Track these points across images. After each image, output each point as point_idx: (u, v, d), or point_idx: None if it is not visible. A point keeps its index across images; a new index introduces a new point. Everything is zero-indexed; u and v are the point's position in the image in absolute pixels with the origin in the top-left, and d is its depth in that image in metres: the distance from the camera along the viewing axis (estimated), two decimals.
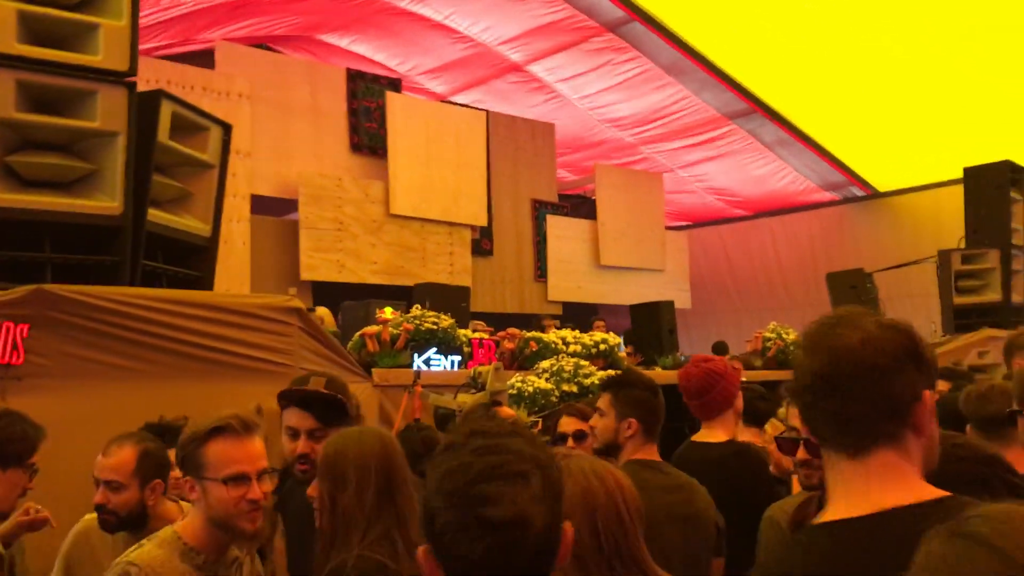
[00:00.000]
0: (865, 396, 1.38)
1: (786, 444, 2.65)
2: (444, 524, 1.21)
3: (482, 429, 1.30)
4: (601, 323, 9.08)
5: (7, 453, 2.63)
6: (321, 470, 2.19)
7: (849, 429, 1.40)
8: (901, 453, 1.39)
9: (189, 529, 2.21)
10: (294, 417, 2.70)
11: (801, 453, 2.56)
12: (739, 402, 3.60)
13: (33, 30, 3.76)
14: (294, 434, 2.70)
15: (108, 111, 3.83)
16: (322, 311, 6.94)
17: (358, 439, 2.22)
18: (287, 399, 2.76)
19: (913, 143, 12.33)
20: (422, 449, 3.63)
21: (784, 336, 7.32)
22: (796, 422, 2.65)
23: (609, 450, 3.06)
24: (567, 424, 3.76)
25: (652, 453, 3.06)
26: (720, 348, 10.93)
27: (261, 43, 11.60)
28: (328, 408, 2.70)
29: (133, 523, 2.64)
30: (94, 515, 2.75)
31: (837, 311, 1.48)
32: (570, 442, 3.65)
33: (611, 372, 5.59)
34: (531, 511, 1.21)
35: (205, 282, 4.49)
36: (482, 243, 12.03)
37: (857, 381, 1.38)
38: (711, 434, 3.50)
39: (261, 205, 9.80)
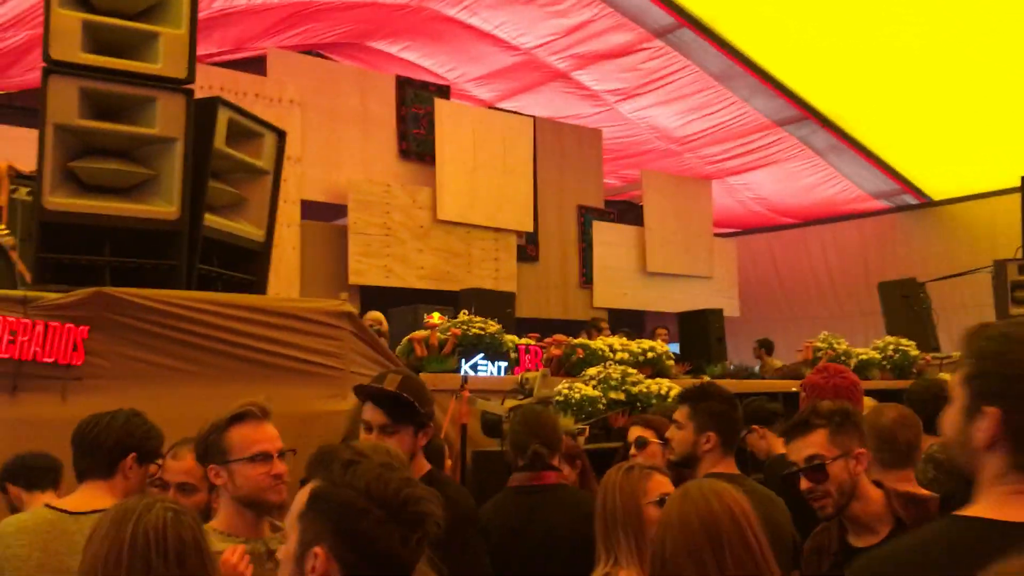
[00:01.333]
0: None
1: (790, 479, 2.63)
2: (374, 520, 1.43)
3: (365, 452, 1.53)
4: (664, 331, 8.99)
5: (148, 449, 2.77)
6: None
7: None
8: None
9: (221, 520, 2.40)
10: (368, 412, 2.83)
11: (804, 484, 2.56)
12: None
13: (96, 39, 3.85)
14: (367, 428, 2.82)
15: (167, 118, 3.92)
16: (377, 315, 7.00)
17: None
18: (362, 395, 2.90)
19: (968, 151, 12.09)
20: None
21: (835, 346, 7.22)
22: (795, 456, 2.63)
23: (687, 463, 3.04)
24: (632, 432, 3.76)
25: (731, 466, 3.04)
26: (767, 345, 10.83)
27: (312, 50, 11.75)
28: (397, 406, 2.79)
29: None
30: None
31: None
32: (632, 449, 3.64)
33: (661, 381, 5.58)
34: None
35: (259, 286, 4.56)
36: (528, 249, 12.04)
37: None
38: None
39: (311, 210, 9.93)
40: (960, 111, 11.30)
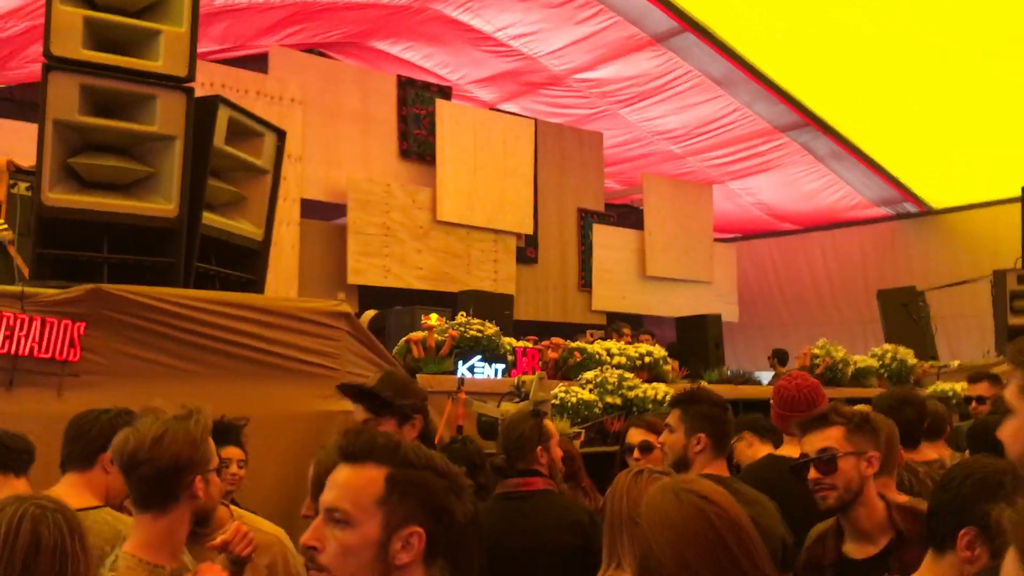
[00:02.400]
0: None
1: (799, 469, 2.67)
2: (453, 496, 1.57)
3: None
4: (647, 336, 9.01)
5: None
6: None
7: None
8: None
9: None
10: (355, 409, 2.99)
11: (812, 473, 2.61)
12: None
13: (97, 36, 3.85)
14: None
15: (167, 115, 3.92)
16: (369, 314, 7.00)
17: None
18: (343, 393, 3.06)
19: (970, 160, 12.10)
20: (479, 460, 3.67)
21: (833, 353, 7.21)
22: (807, 448, 2.68)
23: (679, 466, 3.06)
24: (634, 435, 3.77)
25: (722, 468, 3.08)
26: (781, 356, 10.82)
27: (314, 48, 11.75)
28: (374, 401, 2.92)
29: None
30: None
31: None
32: (636, 453, 3.65)
33: (658, 385, 5.57)
34: None
35: (257, 285, 4.56)
36: (527, 251, 12.05)
37: None
38: (794, 449, 3.46)
39: (310, 209, 9.93)
40: (961, 120, 11.31)
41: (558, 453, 3.45)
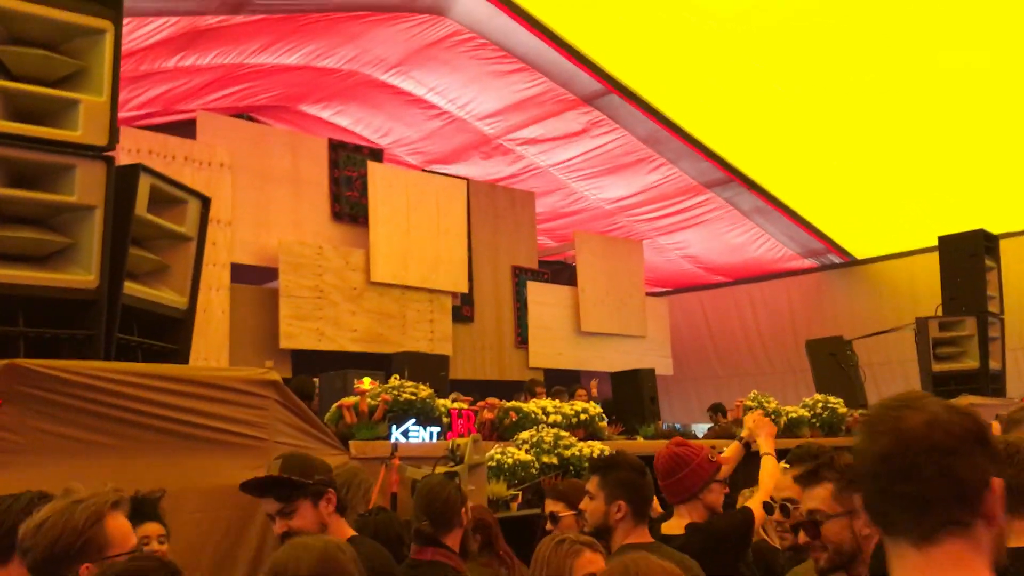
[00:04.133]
0: (933, 480, 1.33)
1: (796, 529, 2.54)
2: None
3: None
4: (583, 392, 8.96)
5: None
6: None
7: (917, 515, 1.34)
8: (972, 544, 1.34)
9: None
10: (264, 504, 2.89)
11: (801, 537, 2.48)
12: (710, 495, 3.50)
13: (14, 106, 3.77)
14: (271, 518, 2.86)
15: (86, 185, 3.83)
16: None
17: (295, 553, 2.00)
18: (248, 491, 2.93)
19: (889, 211, 12.55)
20: (402, 532, 3.60)
21: (765, 404, 7.31)
22: (804, 505, 2.54)
23: (599, 533, 3.04)
24: (549, 505, 3.77)
25: (644, 535, 3.05)
26: (719, 408, 10.90)
27: (243, 113, 11.71)
28: (281, 488, 2.82)
29: None
30: None
31: (899, 396, 1.44)
32: (548, 524, 3.64)
33: (593, 443, 5.57)
34: None
35: (181, 355, 4.45)
36: (463, 310, 12.04)
37: (925, 463, 1.33)
38: (676, 523, 3.44)
39: (241, 274, 9.80)
40: (880, 173, 11.75)
41: (468, 518, 3.44)
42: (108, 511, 2.20)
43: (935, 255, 9.53)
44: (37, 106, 3.84)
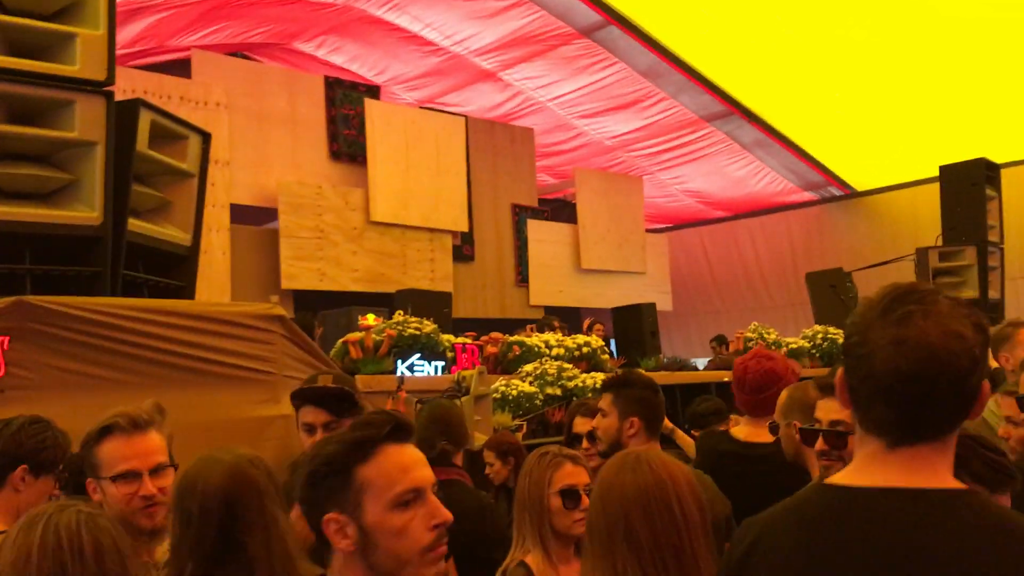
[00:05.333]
0: (948, 400, 1.36)
1: (807, 435, 2.68)
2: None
3: None
4: (600, 326, 8.98)
5: (41, 460, 2.61)
6: (171, 503, 2.04)
7: (914, 427, 1.38)
8: (941, 446, 1.39)
9: None
10: (309, 414, 2.87)
11: (820, 444, 2.62)
12: None
13: (10, 40, 3.74)
14: (310, 429, 2.86)
15: (86, 121, 3.81)
16: None
17: (206, 467, 2.00)
18: (299, 398, 2.92)
19: (890, 142, 12.45)
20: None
21: (765, 336, 7.37)
22: (821, 414, 2.69)
23: (613, 449, 3.09)
24: (581, 424, 3.79)
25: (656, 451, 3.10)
26: (721, 340, 11.01)
27: (237, 51, 11.56)
28: (339, 401, 2.86)
29: None
30: None
31: (912, 291, 1.44)
32: (584, 443, 3.67)
33: (596, 375, 5.63)
34: None
35: (187, 292, 4.47)
36: (463, 249, 12.04)
37: (945, 386, 1.35)
38: (757, 433, 3.46)
39: (240, 214, 9.77)
40: (881, 104, 11.63)
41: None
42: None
43: (936, 186, 9.49)
44: (34, 40, 3.81)
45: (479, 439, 4.41)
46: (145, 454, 2.27)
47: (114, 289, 3.92)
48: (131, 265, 4.09)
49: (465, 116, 12.31)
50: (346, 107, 10.93)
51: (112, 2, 3.93)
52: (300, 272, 9.96)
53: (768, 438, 3.31)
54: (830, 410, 2.65)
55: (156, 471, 2.28)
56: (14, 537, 1.69)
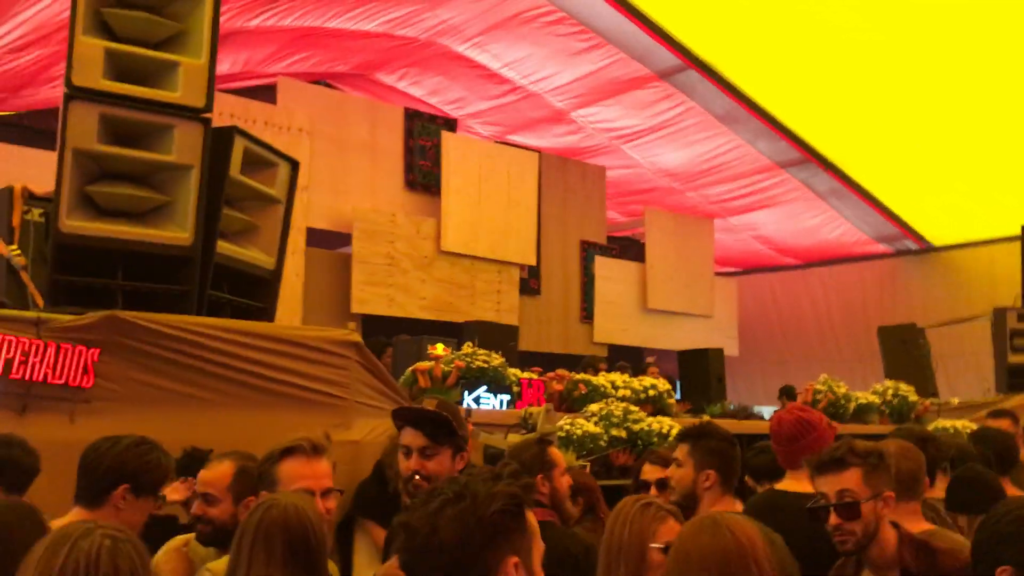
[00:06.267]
0: None
1: (818, 512, 2.62)
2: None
3: None
4: (655, 369, 8.94)
5: (144, 481, 2.68)
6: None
7: None
8: None
9: None
10: (407, 436, 2.84)
11: (833, 519, 2.56)
12: None
13: (118, 67, 3.92)
14: (407, 452, 2.82)
15: (184, 145, 3.97)
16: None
17: (266, 508, 2.13)
18: (400, 418, 2.91)
19: (969, 198, 12.20)
20: None
21: (835, 389, 7.23)
22: (824, 488, 2.63)
23: (687, 502, 3.05)
24: (649, 472, 3.73)
25: (731, 504, 3.06)
26: (789, 391, 10.82)
27: (321, 79, 11.87)
28: (437, 427, 2.80)
29: (225, 538, 2.61)
30: (179, 538, 2.85)
31: None
32: (653, 490, 3.62)
33: (663, 419, 5.59)
34: None
35: (268, 313, 4.59)
36: (530, 282, 12.09)
37: None
38: (798, 484, 3.44)
39: (315, 238, 9.98)
40: (962, 158, 11.42)
41: (563, 483, 3.41)
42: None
43: (1016, 244, 9.28)
44: (139, 67, 3.98)
45: None
46: (319, 476, 2.49)
47: (200, 308, 4.05)
48: (217, 285, 4.22)
49: (538, 151, 12.43)
50: (423, 138, 11.12)
51: (215, 33, 4.10)
52: (370, 297, 10.11)
53: (809, 488, 3.29)
54: (831, 484, 2.61)
55: (326, 494, 2.49)
56: (36, 559, 1.69)
